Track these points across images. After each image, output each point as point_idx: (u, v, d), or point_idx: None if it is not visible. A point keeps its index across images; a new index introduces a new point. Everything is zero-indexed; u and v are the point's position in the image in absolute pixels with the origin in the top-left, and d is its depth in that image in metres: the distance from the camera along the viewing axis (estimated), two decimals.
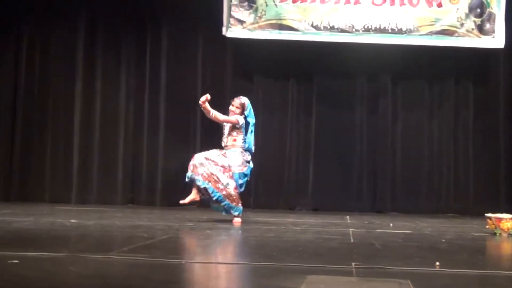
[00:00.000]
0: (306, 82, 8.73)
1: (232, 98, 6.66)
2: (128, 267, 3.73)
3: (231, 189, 6.28)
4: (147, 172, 8.65)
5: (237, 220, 6.34)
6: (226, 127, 6.45)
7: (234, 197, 6.31)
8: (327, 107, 8.66)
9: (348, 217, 7.36)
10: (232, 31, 8.34)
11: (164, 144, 8.64)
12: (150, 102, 8.74)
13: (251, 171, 6.47)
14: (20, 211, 7.05)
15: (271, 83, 8.73)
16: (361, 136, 8.58)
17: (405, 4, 8.19)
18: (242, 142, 6.38)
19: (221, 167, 6.28)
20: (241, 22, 8.32)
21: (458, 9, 8.17)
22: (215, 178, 6.25)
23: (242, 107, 6.47)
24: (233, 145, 6.39)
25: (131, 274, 3.52)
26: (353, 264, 3.82)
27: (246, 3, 8.28)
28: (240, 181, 6.35)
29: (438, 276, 3.62)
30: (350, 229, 6.02)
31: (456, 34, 8.20)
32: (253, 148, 6.48)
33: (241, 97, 6.58)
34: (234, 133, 6.38)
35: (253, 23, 8.30)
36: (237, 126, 6.36)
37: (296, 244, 4.89)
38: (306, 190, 8.54)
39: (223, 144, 6.46)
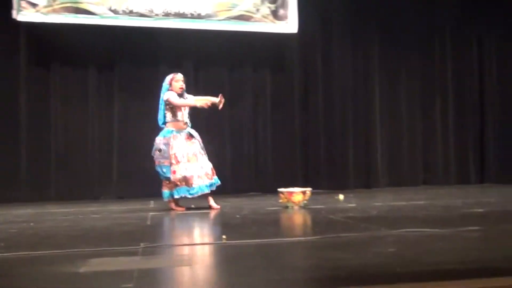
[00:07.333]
0: (107, 70, 8.51)
1: None
2: None
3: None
4: None
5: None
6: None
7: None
8: (129, 95, 8.52)
9: (152, 202, 7.31)
10: (24, 15, 7.86)
11: None
12: None
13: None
14: None
15: (70, 71, 8.37)
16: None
17: None
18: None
19: None
20: (34, 5, 7.87)
21: None
22: None
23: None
24: None
25: None
26: (141, 244, 3.79)
27: None
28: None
29: (223, 247, 3.73)
30: (150, 213, 5.99)
31: (253, 19, 8.51)
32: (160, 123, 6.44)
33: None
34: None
35: (46, 6, 7.90)
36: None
37: (90, 231, 4.75)
38: (110, 179, 8.37)
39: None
